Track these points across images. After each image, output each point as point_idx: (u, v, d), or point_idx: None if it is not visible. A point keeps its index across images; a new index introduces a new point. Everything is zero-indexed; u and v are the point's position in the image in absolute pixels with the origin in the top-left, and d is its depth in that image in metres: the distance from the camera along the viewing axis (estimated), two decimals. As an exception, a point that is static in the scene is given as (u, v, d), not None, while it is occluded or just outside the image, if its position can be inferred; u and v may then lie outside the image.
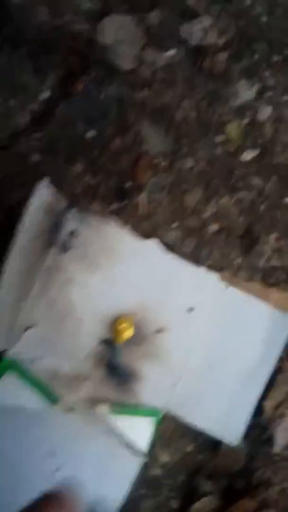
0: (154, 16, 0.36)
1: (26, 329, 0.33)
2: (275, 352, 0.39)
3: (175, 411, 0.38)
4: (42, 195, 0.35)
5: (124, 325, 0.35)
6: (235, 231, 0.40)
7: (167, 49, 0.37)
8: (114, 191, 0.39)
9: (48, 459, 0.35)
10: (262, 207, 0.41)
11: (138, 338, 0.37)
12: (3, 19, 0.37)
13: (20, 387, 0.34)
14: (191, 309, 0.38)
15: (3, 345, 0.34)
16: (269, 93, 0.41)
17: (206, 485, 0.40)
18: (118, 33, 0.35)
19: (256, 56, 0.39)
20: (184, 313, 0.38)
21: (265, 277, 0.42)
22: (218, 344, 0.38)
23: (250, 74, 0.39)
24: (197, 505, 0.39)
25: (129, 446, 0.37)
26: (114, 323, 0.36)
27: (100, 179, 0.38)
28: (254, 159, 0.40)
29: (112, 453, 0.36)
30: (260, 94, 0.40)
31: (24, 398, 0.33)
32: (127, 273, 0.36)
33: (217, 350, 0.38)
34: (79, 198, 0.37)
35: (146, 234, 0.38)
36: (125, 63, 0.35)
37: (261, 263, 0.41)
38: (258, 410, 0.42)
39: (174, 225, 0.40)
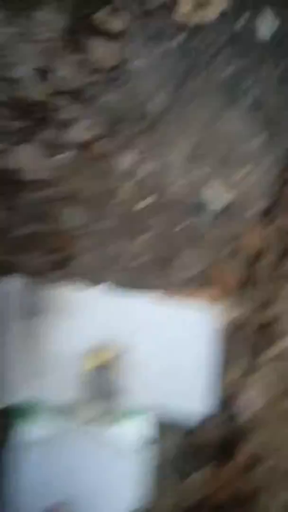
0: (46, 136, 0.48)
1: (30, 379, 0.44)
2: (212, 337, 0.50)
3: (155, 405, 0.48)
4: (10, 284, 0.46)
5: (95, 354, 0.46)
6: (152, 262, 0.52)
7: (62, 152, 0.49)
8: (59, 263, 0.50)
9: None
10: (168, 237, 0.53)
11: (113, 361, 0.48)
12: None
13: (31, 426, 0.44)
14: (144, 327, 0.49)
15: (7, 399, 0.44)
16: (142, 156, 0.53)
17: (194, 461, 0.50)
18: (26, 157, 0.47)
19: (125, 133, 0.52)
20: (139, 331, 0.49)
21: (189, 284, 0.53)
22: (169, 343, 0.49)
23: (124, 147, 0.52)
24: (191, 480, 0.49)
25: (130, 448, 0.46)
26: (90, 354, 0.46)
27: (46, 259, 0.49)
28: (148, 206, 0.52)
29: (117, 459, 0.46)
30: (136, 158, 0.52)
31: (38, 431, 0.44)
32: (90, 315, 0.47)
33: (170, 347, 0.48)
34: (37, 276, 0.49)
35: (91, 284, 0.49)
36: (37, 174, 0.47)
37: (183, 275, 0.53)
38: (220, 389, 0.52)
39: (110, 269, 0.51)
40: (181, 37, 0.55)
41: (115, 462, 0.45)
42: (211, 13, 0.58)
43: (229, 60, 0.57)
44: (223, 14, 0.58)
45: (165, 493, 0.47)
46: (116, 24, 0.52)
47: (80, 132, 0.49)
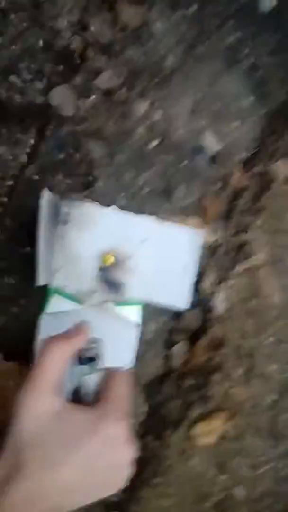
0: (78, 81, 0.59)
1: (57, 270, 0.58)
2: (197, 253, 0.64)
3: (149, 298, 0.62)
4: (45, 198, 0.59)
5: (108, 256, 0.60)
6: (158, 190, 0.65)
7: (90, 96, 0.61)
8: (83, 184, 0.63)
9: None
10: (170, 172, 0.65)
11: (118, 263, 0.62)
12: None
13: (62, 300, 0.59)
14: (144, 240, 0.63)
15: (47, 281, 0.59)
16: (156, 103, 0.65)
17: (179, 337, 0.66)
18: (61, 97, 0.58)
19: (143, 84, 0.63)
20: (141, 243, 0.63)
21: (183, 212, 0.67)
22: (163, 255, 0.63)
23: (142, 95, 0.63)
24: (175, 348, 0.65)
25: (131, 323, 0.62)
26: (103, 257, 0.61)
27: (74, 180, 0.62)
28: (158, 145, 0.65)
29: (120, 329, 0.61)
30: (151, 105, 0.64)
31: (65, 305, 0.59)
32: (103, 228, 0.61)
33: (163, 257, 0.63)
34: (66, 193, 0.62)
35: (107, 204, 0.63)
36: (69, 111, 0.59)
37: (178, 204, 0.66)
38: (200, 291, 0.68)
39: (122, 194, 0.64)
40: (195, 6, 0.65)
41: (116, 332, 0.60)
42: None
43: (233, 29, 0.67)
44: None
45: (151, 359, 0.63)
46: (142, -10, 0.62)
47: (105, 80, 0.60)
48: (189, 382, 0.66)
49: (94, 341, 0.42)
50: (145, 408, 0.64)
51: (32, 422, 0.35)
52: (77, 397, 0.40)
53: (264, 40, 0.69)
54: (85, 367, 0.41)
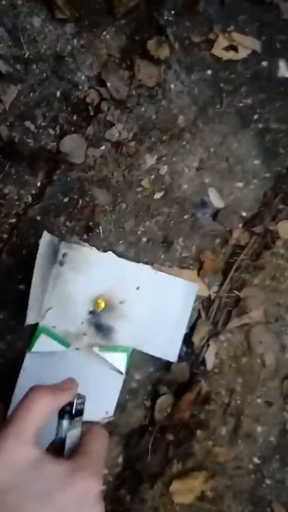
0: (90, 131, 0.61)
1: (47, 310, 0.58)
2: (190, 306, 0.63)
3: (138, 346, 0.61)
4: (45, 239, 0.60)
5: (100, 300, 0.60)
6: (157, 240, 0.65)
7: (100, 146, 0.62)
8: (84, 229, 0.64)
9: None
10: (171, 224, 0.66)
11: (110, 308, 0.62)
12: None
13: (49, 341, 0.58)
14: (138, 288, 0.63)
15: (37, 319, 0.59)
16: (163, 159, 0.66)
17: (164, 389, 0.64)
18: (72, 144, 0.60)
19: (152, 139, 0.65)
20: (134, 290, 0.62)
21: (180, 264, 0.66)
22: (156, 304, 0.62)
23: (150, 150, 0.64)
24: (159, 401, 0.63)
25: (115, 370, 0.61)
26: (95, 300, 0.60)
27: (75, 223, 0.63)
28: (162, 197, 0.65)
29: (104, 376, 0.60)
30: (158, 159, 0.65)
31: (52, 347, 0.58)
32: (98, 272, 0.61)
33: (155, 306, 0.62)
34: (65, 235, 0.62)
35: (105, 249, 0.63)
36: (78, 159, 0.60)
37: (176, 256, 0.66)
38: (190, 344, 0.66)
39: (121, 241, 0.64)
40: (212, 69, 0.67)
41: (99, 378, 0.59)
42: (242, 52, 0.69)
43: (246, 94, 0.69)
44: (249, 57, 0.70)
45: (133, 409, 0.61)
46: (163, 51, 0.64)
47: (116, 132, 0.62)
48: (170, 437, 0.63)
49: (80, 397, 0.41)
50: (121, 459, 0.61)
51: (6, 470, 0.34)
52: (56, 448, 0.39)
53: (276, 107, 0.70)
54: (67, 421, 0.40)
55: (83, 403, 0.42)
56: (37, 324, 0.58)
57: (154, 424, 0.62)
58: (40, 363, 0.56)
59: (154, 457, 0.63)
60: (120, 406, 0.60)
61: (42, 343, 0.57)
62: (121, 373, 0.59)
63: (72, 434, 0.39)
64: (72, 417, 0.40)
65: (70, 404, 0.40)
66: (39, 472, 0.35)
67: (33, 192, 0.59)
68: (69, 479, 0.35)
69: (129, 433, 0.61)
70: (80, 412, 0.41)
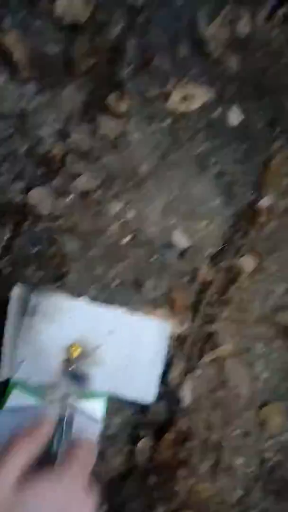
0: (56, 183, 0.58)
1: (20, 363, 0.52)
2: (164, 346, 0.59)
3: (114, 391, 0.57)
4: (16, 290, 0.55)
5: (73, 348, 0.55)
6: (128, 283, 0.61)
7: (67, 196, 0.59)
8: (54, 277, 0.59)
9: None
10: (140, 266, 0.62)
11: (84, 354, 0.57)
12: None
13: (22, 395, 0.52)
14: (111, 331, 0.58)
15: (10, 374, 0.53)
16: (129, 205, 0.63)
17: (143, 431, 0.59)
18: (39, 196, 0.57)
19: (118, 187, 0.62)
20: (108, 334, 0.58)
21: (151, 303, 0.63)
22: (130, 347, 0.58)
23: (116, 197, 0.62)
24: (139, 443, 0.58)
25: (91, 419, 0.55)
26: (69, 348, 0.55)
27: (45, 272, 0.58)
28: (130, 241, 0.62)
29: (80, 426, 0.54)
30: (124, 205, 0.62)
31: (26, 400, 0.52)
32: (70, 319, 0.56)
33: (130, 349, 0.58)
34: (37, 285, 0.58)
35: (77, 295, 0.59)
36: (46, 210, 0.57)
37: (147, 296, 0.62)
38: (166, 382, 0.62)
39: (92, 286, 0.60)
40: (169, 119, 0.66)
41: (77, 428, 0.53)
42: (194, 104, 0.68)
43: (203, 140, 0.67)
44: (203, 106, 0.69)
45: (113, 456, 0.56)
46: (122, 105, 0.62)
47: (82, 182, 0.59)
48: (153, 479, 0.58)
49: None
50: (105, 508, 0.55)
51: None
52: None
53: (231, 150, 0.69)
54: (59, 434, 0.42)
55: (72, 416, 0.44)
56: (8, 379, 0.52)
57: (136, 468, 0.57)
58: (13, 419, 0.50)
59: (138, 501, 0.57)
60: (101, 453, 0.55)
61: (15, 398, 0.51)
62: (100, 421, 0.54)
63: (63, 445, 0.41)
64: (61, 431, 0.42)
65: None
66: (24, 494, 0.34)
67: (1, 245, 0.54)
68: (59, 481, 0.36)
69: (111, 480, 0.55)
70: (70, 424, 0.43)
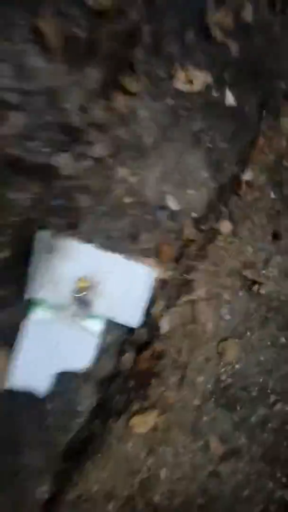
0: (76, 150, 0.71)
1: (41, 287, 0.69)
2: (150, 286, 0.75)
3: (109, 315, 0.72)
4: (38, 234, 0.70)
5: (82, 281, 0.71)
6: (126, 235, 0.77)
7: (84, 161, 0.72)
8: (70, 226, 0.74)
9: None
10: (137, 223, 0.77)
11: (90, 287, 0.73)
12: None
13: (42, 311, 0.70)
14: (111, 272, 0.74)
15: (33, 295, 0.69)
16: (133, 171, 0.77)
17: (128, 348, 0.77)
18: (62, 160, 0.70)
19: (125, 155, 0.75)
20: (108, 273, 0.73)
21: (143, 254, 0.78)
22: (124, 283, 0.73)
23: (122, 164, 0.75)
24: (124, 357, 0.76)
25: (91, 333, 0.73)
26: (78, 281, 0.71)
27: (63, 221, 0.73)
28: (131, 202, 0.77)
29: (82, 337, 0.72)
30: (129, 171, 0.76)
31: (44, 315, 0.69)
32: (81, 258, 0.70)
33: (124, 286, 0.73)
34: (57, 231, 0.73)
35: (87, 242, 0.74)
36: (67, 171, 0.71)
37: (140, 247, 0.78)
38: (149, 314, 0.79)
39: (99, 236, 0.75)
40: (174, 98, 0.78)
41: (80, 339, 0.71)
42: (197, 86, 0.80)
43: (200, 119, 0.80)
44: (203, 88, 0.80)
45: (104, 362, 0.74)
46: (135, 85, 0.74)
47: (97, 150, 0.71)
48: (132, 383, 0.77)
49: None
50: (95, 399, 0.74)
51: None
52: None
53: (222, 129, 0.82)
54: None
55: None
56: (32, 298, 0.69)
57: (120, 373, 0.75)
58: (36, 330, 0.68)
59: (119, 398, 0.77)
60: (96, 359, 0.73)
61: (36, 313, 0.68)
62: (98, 335, 0.72)
63: None
64: None
65: None
66: None
67: (30, 197, 0.68)
68: None
69: (101, 379, 0.74)
70: None
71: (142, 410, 0.77)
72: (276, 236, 0.86)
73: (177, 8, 0.77)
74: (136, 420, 0.77)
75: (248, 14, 0.82)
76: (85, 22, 0.68)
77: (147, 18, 0.74)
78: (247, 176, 0.84)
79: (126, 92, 0.73)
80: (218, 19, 0.80)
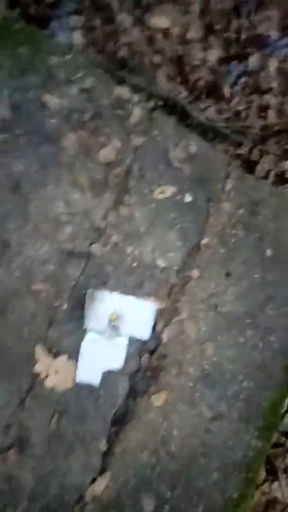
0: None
1: (89, 319, 1.19)
2: (154, 313, 1.26)
3: (130, 334, 1.23)
4: (88, 292, 1.22)
5: (113, 315, 1.21)
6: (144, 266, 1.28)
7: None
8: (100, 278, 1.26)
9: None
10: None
11: (118, 319, 1.23)
12: None
13: (92, 335, 1.20)
14: (130, 308, 1.24)
15: (88, 326, 1.20)
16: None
17: (143, 352, 1.26)
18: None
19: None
20: (128, 308, 1.23)
21: (150, 294, 1.29)
22: (138, 313, 1.23)
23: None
24: (142, 358, 1.25)
25: (120, 348, 1.22)
26: (111, 315, 1.21)
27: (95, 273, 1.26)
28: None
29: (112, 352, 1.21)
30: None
31: (94, 337, 1.20)
32: (110, 302, 1.22)
33: (138, 314, 1.24)
34: (96, 291, 1.24)
35: (111, 289, 1.25)
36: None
37: (148, 291, 1.29)
38: (155, 332, 1.27)
39: (120, 287, 1.27)
40: (155, 203, 1.31)
41: (116, 349, 1.20)
42: (167, 194, 1.34)
43: (173, 211, 1.33)
44: (172, 194, 1.34)
45: (129, 361, 1.23)
46: (131, 200, 1.28)
47: (114, 239, 1.25)
48: (149, 374, 1.23)
49: None
50: (127, 386, 1.22)
51: None
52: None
53: (185, 216, 1.35)
54: None
55: None
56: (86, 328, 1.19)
57: (141, 369, 1.24)
58: (89, 346, 1.18)
59: (142, 384, 1.24)
60: (124, 362, 1.21)
61: (89, 336, 1.18)
62: (123, 348, 1.21)
63: None
64: None
65: None
66: None
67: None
68: None
69: (130, 374, 1.22)
70: None
71: (156, 392, 1.22)
72: (228, 274, 1.36)
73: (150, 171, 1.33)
74: (153, 398, 1.21)
75: (193, 148, 1.38)
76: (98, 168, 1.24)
77: (136, 161, 1.30)
78: (204, 241, 1.36)
79: (127, 205, 1.27)
80: (176, 153, 1.36)
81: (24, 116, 1.17)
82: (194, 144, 1.37)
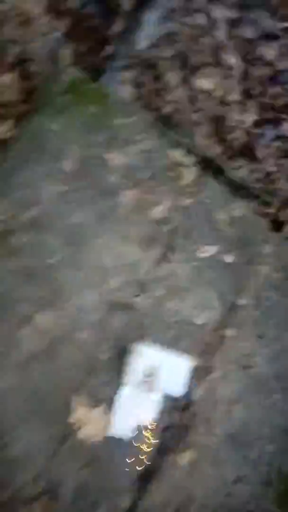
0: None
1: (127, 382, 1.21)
2: (188, 367, 1.28)
3: (165, 391, 1.25)
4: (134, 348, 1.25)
5: (148, 370, 1.24)
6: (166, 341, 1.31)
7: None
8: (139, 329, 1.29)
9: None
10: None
11: (152, 374, 1.25)
12: None
13: (132, 389, 1.21)
14: (164, 360, 1.26)
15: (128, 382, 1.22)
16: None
17: (177, 408, 1.27)
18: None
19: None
20: (162, 362, 1.26)
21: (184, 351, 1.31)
22: (172, 369, 1.26)
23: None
24: (172, 415, 1.26)
25: (153, 401, 1.23)
26: (146, 370, 1.24)
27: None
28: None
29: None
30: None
31: (133, 392, 1.21)
32: (147, 357, 1.24)
33: (171, 370, 1.26)
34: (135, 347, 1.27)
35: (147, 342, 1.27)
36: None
37: (183, 347, 1.31)
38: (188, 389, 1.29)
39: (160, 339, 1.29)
40: (198, 261, 1.36)
41: (149, 404, 1.21)
42: (210, 253, 1.39)
43: (214, 269, 1.38)
44: (215, 253, 1.39)
45: (163, 418, 1.24)
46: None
47: (156, 292, 1.28)
48: (177, 430, 1.25)
49: None
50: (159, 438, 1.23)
51: None
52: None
53: (227, 277, 1.39)
54: None
55: None
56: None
57: (172, 425, 1.25)
58: (125, 399, 1.19)
59: (172, 439, 1.25)
60: (157, 416, 1.23)
61: (125, 390, 1.20)
62: (156, 402, 1.22)
63: None
64: None
65: None
66: None
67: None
68: None
69: (162, 428, 1.23)
70: None
71: (184, 450, 1.25)
72: (260, 336, 1.39)
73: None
74: (180, 456, 1.24)
75: (237, 212, 1.43)
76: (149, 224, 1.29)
77: (183, 220, 1.35)
78: (241, 301, 1.39)
79: (171, 261, 1.31)
80: (220, 215, 1.41)
81: (86, 171, 1.23)
82: (238, 208, 1.42)
